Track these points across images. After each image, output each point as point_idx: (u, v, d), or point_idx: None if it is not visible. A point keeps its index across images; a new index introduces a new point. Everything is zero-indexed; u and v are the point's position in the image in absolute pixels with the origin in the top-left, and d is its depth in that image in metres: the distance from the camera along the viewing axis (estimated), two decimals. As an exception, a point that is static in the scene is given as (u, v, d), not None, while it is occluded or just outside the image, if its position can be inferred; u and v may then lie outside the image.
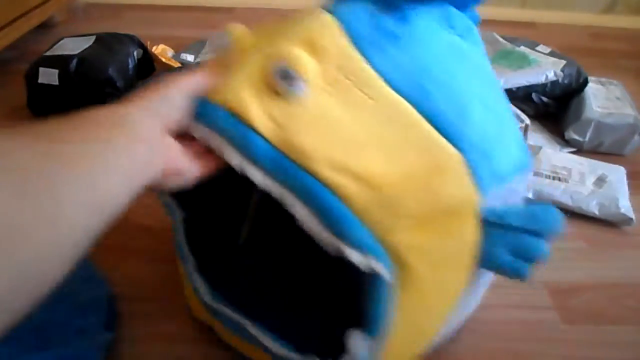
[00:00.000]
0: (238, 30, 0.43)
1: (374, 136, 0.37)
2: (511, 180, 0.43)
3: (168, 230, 0.57)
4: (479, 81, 0.44)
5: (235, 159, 0.36)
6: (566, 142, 0.90)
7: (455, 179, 0.39)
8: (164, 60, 1.02)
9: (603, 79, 0.99)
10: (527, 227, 0.41)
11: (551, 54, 0.98)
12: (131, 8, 1.45)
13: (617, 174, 0.79)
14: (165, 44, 1.09)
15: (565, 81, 0.93)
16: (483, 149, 0.40)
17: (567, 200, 0.74)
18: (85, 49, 0.91)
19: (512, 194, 0.44)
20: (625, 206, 0.73)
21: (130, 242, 0.66)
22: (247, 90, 0.37)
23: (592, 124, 0.87)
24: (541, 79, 0.88)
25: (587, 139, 0.88)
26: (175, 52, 1.08)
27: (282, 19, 0.43)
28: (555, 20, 1.51)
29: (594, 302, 0.62)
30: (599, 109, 0.89)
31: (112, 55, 0.91)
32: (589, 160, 0.82)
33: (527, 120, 0.79)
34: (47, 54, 0.92)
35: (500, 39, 1.05)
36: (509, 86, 0.87)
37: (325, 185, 0.34)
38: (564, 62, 0.95)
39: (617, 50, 1.38)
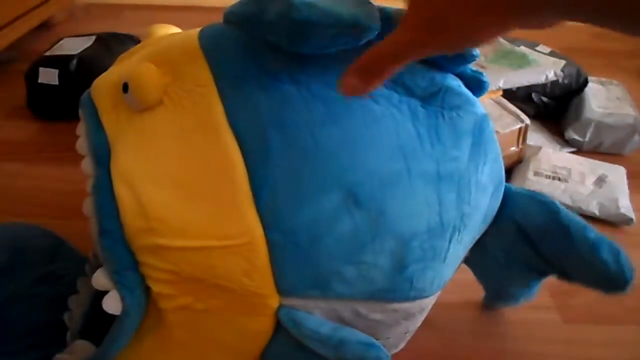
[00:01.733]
0: (157, 29, 0.45)
1: (183, 174, 0.34)
2: (353, 300, 0.37)
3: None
4: (378, 166, 0.35)
5: (81, 140, 0.39)
6: (566, 142, 0.90)
7: (242, 264, 0.34)
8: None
9: (603, 79, 0.99)
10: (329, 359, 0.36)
11: (551, 53, 0.98)
12: (131, 8, 1.45)
13: (617, 173, 0.79)
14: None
15: (565, 81, 0.93)
16: (306, 248, 0.34)
17: (567, 200, 0.74)
18: (85, 49, 0.91)
19: (357, 316, 0.38)
20: (625, 206, 0.73)
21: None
22: (110, 87, 0.39)
23: (592, 124, 0.87)
24: (541, 79, 0.88)
25: (587, 139, 0.88)
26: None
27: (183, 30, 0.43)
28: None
29: (594, 302, 0.62)
30: (599, 109, 0.89)
31: (112, 55, 0.90)
32: (588, 160, 0.82)
33: (527, 120, 0.79)
34: (47, 54, 0.92)
35: (500, 39, 1.05)
36: (509, 86, 0.87)
37: (114, 194, 0.34)
38: (564, 62, 0.95)
39: (618, 50, 1.37)
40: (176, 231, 0.33)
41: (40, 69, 0.88)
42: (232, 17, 0.36)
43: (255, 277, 0.34)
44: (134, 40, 0.98)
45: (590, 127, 0.87)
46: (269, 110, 0.34)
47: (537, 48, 1.00)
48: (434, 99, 0.38)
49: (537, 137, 0.91)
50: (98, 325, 0.41)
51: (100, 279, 0.36)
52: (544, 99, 0.93)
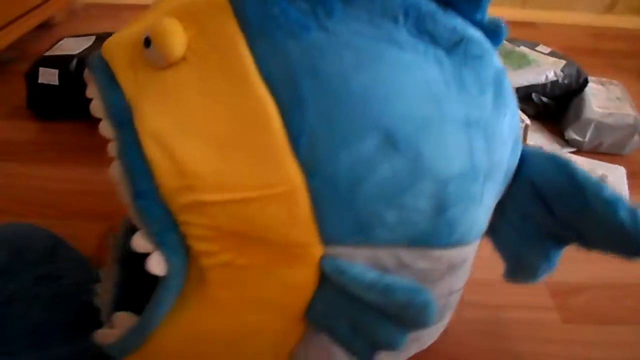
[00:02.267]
0: None
1: (215, 127, 0.34)
2: (396, 246, 0.36)
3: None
4: (412, 110, 0.35)
5: (95, 103, 0.38)
6: (566, 142, 0.91)
7: (283, 213, 0.33)
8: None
9: (603, 79, 0.99)
10: (378, 306, 0.34)
11: (551, 54, 0.98)
12: (130, 8, 1.45)
13: (616, 174, 0.79)
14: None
15: (565, 81, 0.93)
16: (348, 193, 0.34)
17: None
18: (85, 49, 0.91)
19: (401, 266, 0.37)
20: (625, 206, 0.73)
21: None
22: (125, 46, 0.38)
23: (592, 124, 0.87)
24: (541, 79, 0.88)
25: (587, 139, 0.88)
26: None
27: None
28: (556, 20, 1.51)
29: (595, 303, 0.62)
30: (599, 109, 0.89)
31: (112, 55, 0.91)
32: (588, 160, 0.82)
33: (527, 120, 0.79)
34: (47, 54, 0.92)
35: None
36: (509, 86, 0.86)
37: (143, 154, 0.33)
38: (564, 62, 0.95)
39: (618, 51, 1.38)
40: (214, 185, 0.33)
41: (41, 69, 0.88)
42: None
43: (297, 226, 0.34)
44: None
45: (590, 127, 0.87)
46: (300, 59, 0.34)
47: (537, 48, 1.00)
48: (456, 48, 0.38)
49: (537, 137, 0.91)
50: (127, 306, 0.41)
51: (141, 242, 0.35)
52: (544, 99, 0.93)
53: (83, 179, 0.77)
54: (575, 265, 0.66)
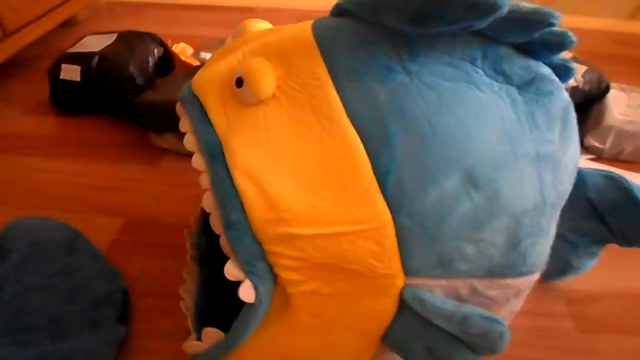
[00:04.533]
0: (251, 24, 0.44)
1: (304, 164, 0.35)
2: (472, 277, 0.38)
3: (184, 226, 0.58)
4: (490, 149, 0.36)
5: (188, 137, 0.40)
6: (586, 149, 0.89)
7: (372, 247, 0.35)
8: (183, 58, 1.03)
9: (625, 86, 0.97)
10: (454, 333, 0.37)
11: (572, 59, 0.97)
12: (152, 6, 1.47)
13: (637, 182, 0.77)
14: (186, 43, 1.10)
15: (586, 87, 0.91)
16: (432, 229, 0.35)
17: (585, 208, 0.73)
18: (106, 46, 0.92)
19: (473, 294, 0.39)
20: (645, 215, 0.72)
21: (146, 237, 0.67)
22: (215, 82, 0.40)
23: (613, 131, 0.86)
24: (561, 85, 0.87)
25: (607, 146, 0.87)
26: (195, 50, 1.09)
27: (296, 21, 0.43)
28: (579, 25, 1.49)
29: (610, 311, 0.61)
30: (620, 116, 0.87)
31: (133, 53, 0.92)
32: (607, 167, 0.80)
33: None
34: (70, 50, 0.93)
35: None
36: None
37: (234, 188, 0.35)
38: (585, 67, 0.93)
39: (641, 57, 1.36)
40: (306, 219, 0.34)
41: (63, 65, 0.89)
42: (350, 5, 0.38)
43: (384, 259, 0.35)
44: (155, 39, 1.00)
45: (611, 134, 0.86)
46: (386, 100, 0.35)
47: (558, 53, 0.99)
48: (529, 86, 0.39)
49: (556, 143, 0.90)
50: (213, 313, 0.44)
51: (232, 270, 0.37)
52: (564, 104, 0.92)
53: (101, 175, 0.78)
54: (592, 273, 0.65)
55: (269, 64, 0.38)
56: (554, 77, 0.42)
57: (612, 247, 0.69)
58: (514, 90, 0.39)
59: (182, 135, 0.43)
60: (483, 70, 0.38)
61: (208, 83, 0.41)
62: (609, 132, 0.86)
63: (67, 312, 0.50)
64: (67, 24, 1.28)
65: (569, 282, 0.63)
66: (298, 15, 0.50)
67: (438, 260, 0.36)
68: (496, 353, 0.37)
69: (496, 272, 0.39)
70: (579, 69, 0.93)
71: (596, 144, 0.87)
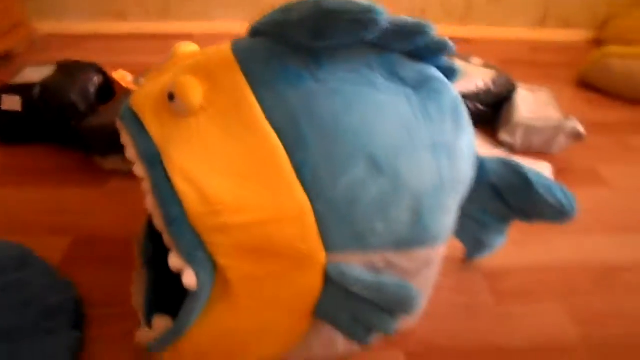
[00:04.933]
0: (181, 47, 0.50)
1: (233, 164, 0.41)
2: (384, 250, 0.44)
3: (132, 240, 0.62)
4: (389, 140, 0.43)
5: (129, 149, 0.45)
6: (500, 145, 0.99)
7: (295, 232, 0.41)
8: (123, 84, 1.07)
9: (533, 87, 1.09)
10: (373, 300, 0.43)
11: (484, 65, 1.07)
12: (91, 38, 1.49)
13: (542, 170, 0.87)
14: (126, 70, 1.13)
15: (497, 90, 1.02)
16: (346, 212, 0.41)
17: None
18: (47, 77, 0.95)
19: (388, 265, 0.45)
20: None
21: (95, 252, 0.70)
22: (151, 99, 0.45)
23: (521, 126, 0.96)
24: (472, 88, 0.97)
25: (517, 140, 0.96)
26: (135, 77, 1.12)
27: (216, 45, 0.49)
28: (497, 35, 1.62)
29: (523, 283, 0.69)
30: (527, 114, 0.97)
31: (74, 81, 0.96)
32: (517, 158, 0.89)
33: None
34: (10, 82, 0.95)
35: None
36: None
37: (173, 188, 0.40)
38: (495, 72, 1.04)
39: (552, 62, 1.49)
40: (237, 210, 0.40)
41: (3, 96, 0.92)
42: (261, 26, 0.45)
43: (307, 240, 0.41)
44: (94, 67, 1.03)
45: (520, 130, 0.96)
46: (299, 104, 0.42)
47: (471, 61, 1.09)
48: (421, 86, 0.47)
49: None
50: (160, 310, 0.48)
51: (175, 261, 0.41)
52: (479, 106, 1.01)
53: (48, 199, 0.80)
54: (507, 252, 0.73)
55: (196, 79, 0.44)
56: (442, 77, 0.50)
57: (523, 228, 0.78)
58: (409, 91, 0.46)
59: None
60: (381, 75, 0.45)
61: (144, 100, 0.46)
62: (518, 128, 0.96)
63: (20, 323, 0.53)
64: (5, 57, 1.29)
65: (485, 260, 0.71)
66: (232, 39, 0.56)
67: (353, 237, 0.43)
68: (409, 314, 0.43)
69: (404, 244, 0.46)
70: (490, 74, 1.03)
71: (508, 139, 0.97)
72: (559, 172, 0.89)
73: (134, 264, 0.60)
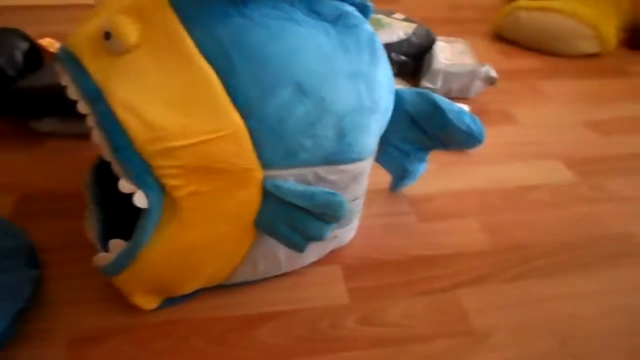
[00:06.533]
0: None
1: (171, 93, 0.45)
2: (314, 165, 0.51)
3: (76, 192, 0.64)
4: (312, 67, 0.48)
5: (70, 88, 0.48)
6: (422, 91, 1.07)
7: (233, 148, 0.45)
8: (52, 50, 1.06)
9: (450, 38, 1.17)
10: (307, 208, 0.48)
11: (405, 19, 1.14)
12: (18, 9, 1.44)
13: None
14: (56, 39, 1.12)
15: (417, 41, 1.09)
16: (276, 129, 0.46)
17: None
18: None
19: (318, 179, 0.52)
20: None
21: (42, 206, 0.72)
22: (87, 40, 0.48)
23: (441, 73, 1.04)
24: (393, 39, 1.04)
25: (438, 86, 1.05)
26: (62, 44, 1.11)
27: None
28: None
29: (444, 205, 0.77)
30: (445, 61, 1.06)
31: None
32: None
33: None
34: None
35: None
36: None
37: (117, 119, 0.44)
38: (415, 25, 1.11)
39: (469, 18, 1.59)
40: (178, 134, 0.44)
41: None
42: None
43: (243, 156, 0.46)
44: (17, 33, 1.01)
45: (439, 76, 1.04)
46: (228, 37, 0.46)
47: (393, 15, 1.16)
48: (338, 21, 0.52)
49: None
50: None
51: (125, 185, 0.46)
52: (402, 57, 1.09)
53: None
54: (429, 181, 0.81)
55: (129, 18, 0.47)
56: (357, 13, 0.55)
57: (445, 160, 0.87)
58: (327, 25, 0.52)
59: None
60: (300, 10, 0.51)
61: (80, 41, 0.49)
62: (437, 75, 1.04)
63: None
64: None
65: (409, 189, 0.79)
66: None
67: (285, 153, 0.48)
68: (339, 220, 0.50)
69: (331, 159, 0.52)
70: (411, 27, 1.10)
71: (429, 85, 1.05)
72: (475, 113, 0.96)
73: (81, 214, 0.63)
